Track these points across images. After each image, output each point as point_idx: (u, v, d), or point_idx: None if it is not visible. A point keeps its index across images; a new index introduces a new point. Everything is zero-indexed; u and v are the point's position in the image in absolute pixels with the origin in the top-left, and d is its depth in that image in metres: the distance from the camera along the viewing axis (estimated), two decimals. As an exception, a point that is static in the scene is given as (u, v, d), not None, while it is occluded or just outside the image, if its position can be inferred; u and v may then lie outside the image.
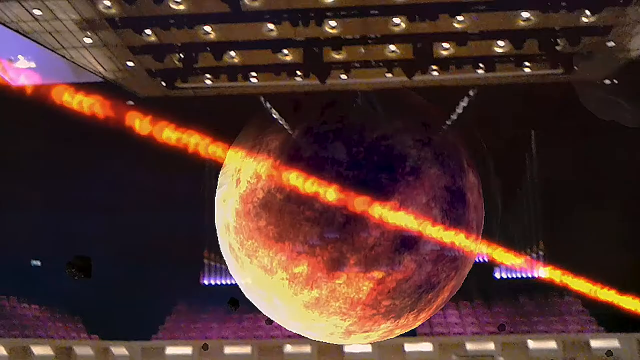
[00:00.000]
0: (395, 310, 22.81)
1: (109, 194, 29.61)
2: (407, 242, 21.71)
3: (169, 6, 18.61)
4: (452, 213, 22.35)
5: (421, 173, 21.99)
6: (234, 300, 23.52)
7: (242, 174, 22.52)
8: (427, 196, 21.89)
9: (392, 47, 21.40)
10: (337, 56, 21.51)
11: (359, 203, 21.31)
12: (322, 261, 21.54)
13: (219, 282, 32.45)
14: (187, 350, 32.49)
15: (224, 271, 29.25)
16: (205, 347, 31.12)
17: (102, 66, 22.52)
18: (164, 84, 23.19)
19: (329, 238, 21.38)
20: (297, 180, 21.50)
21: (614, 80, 23.63)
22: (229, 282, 27.07)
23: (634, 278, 29.17)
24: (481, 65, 22.03)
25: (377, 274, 21.71)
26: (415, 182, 21.86)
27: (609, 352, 29.75)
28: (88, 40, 20.56)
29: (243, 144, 23.18)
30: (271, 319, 25.01)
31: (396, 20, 19.74)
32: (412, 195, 21.72)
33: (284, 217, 21.59)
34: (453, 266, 23.08)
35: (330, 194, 21.21)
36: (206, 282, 32.85)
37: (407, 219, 21.65)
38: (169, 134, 23.06)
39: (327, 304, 22.29)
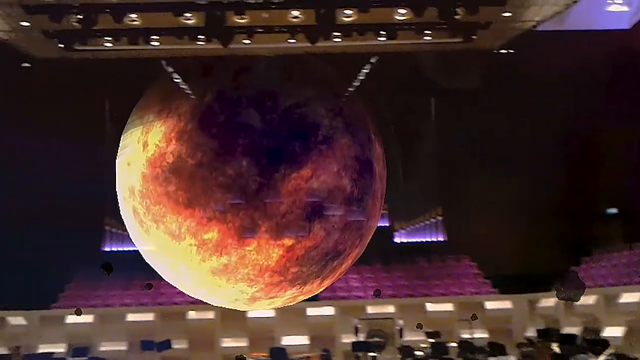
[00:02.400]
0: (301, 277, 23.03)
1: (3, 156, 28.69)
2: (317, 210, 21.93)
3: (67, -35, 18.07)
4: (361, 182, 22.67)
5: (333, 142, 22.19)
6: (107, 266, 22.42)
7: (149, 137, 22.16)
8: (338, 165, 22.12)
9: (295, 12, 21.41)
10: (240, 20, 21.36)
11: (272, 170, 21.35)
12: (233, 228, 21.50)
13: (120, 249, 31.93)
14: (88, 318, 32.00)
15: (125, 238, 28.81)
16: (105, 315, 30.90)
17: (-5, 26, 21.74)
18: (61, 45, 22.58)
19: (241, 204, 21.36)
20: (210, 145, 21.32)
21: (510, 50, 24.30)
22: (130, 249, 26.67)
23: (527, 241, 30.16)
24: (383, 32, 22.21)
25: (287, 241, 21.85)
26: (327, 151, 22.05)
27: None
28: (-21, -1, 19.75)
29: (149, 107, 22.76)
30: (151, 283, 24.87)
31: (299, -15, 19.73)
32: (324, 164, 21.90)
33: (195, 182, 21.40)
34: (358, 234, 23.43)
35: (243, 161, 21.17)
36: (107, 249, 32.29)
37: (318, 187, 21.84)
38: (66, 96, 22.66)
39: (236, 271, 22.31)
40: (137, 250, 24.30)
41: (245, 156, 21.48)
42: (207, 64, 22.87)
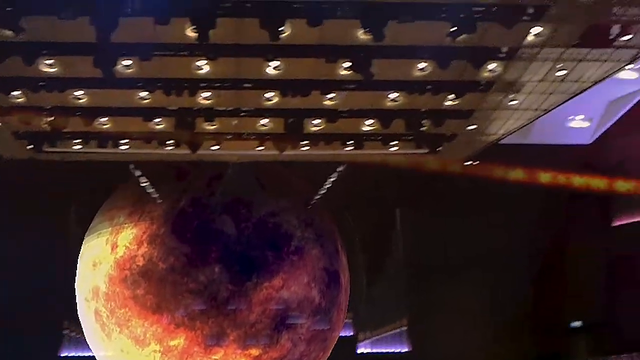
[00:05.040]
0: (265, 389, 22.66)
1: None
2: (286, 320, 21.78)
3: (40, 68, 18.19)
4: (328, 294, 22.74)
5: (304, 253, 22.31)
6: None
7: (119, 239, 21.99)
8: (308, 276, 22.23)
9: (264, 120, 21.64)
10: (210, 127, 21.54)
11: (244, 279, 21.24)
12: (201, 335, 21.28)
13: (78, 355, 31.09)
14: None
15: (83, 343, 28.14)
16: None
17: (-35, 126, 21.67)
18: (30, 147, 22.54)
19: (211, 312, 21.12)
20: (183, 250, 21.20)
21: (475, 162, 24.69)
22: (89, 355, 26.04)
23: (492, 354, 29.96)
24: (350, 142, 22.51)
25: (255, 352, 21.65)
26: (298, 261, 22.17)
27: None
28: (-49, 98, 19.74)
29: (119, 208, 22.71)
30: None
31: (269, 94, 20.02)
32: (295, 274, 21.99)
33: (166, 287, 21.26)
34: (323, 346, 23.33)
35: (216, 267, 21.05)
36: (64, 355, 31.43)
37: (289, 298, 21.75)
38: (30, 196, 22.43)
39: (199, 380, 21.91)
40: (94, 356, 23.78)
41: (218, 263, 21.40)
42: (181, 169, 22.97)
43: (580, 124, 26.88)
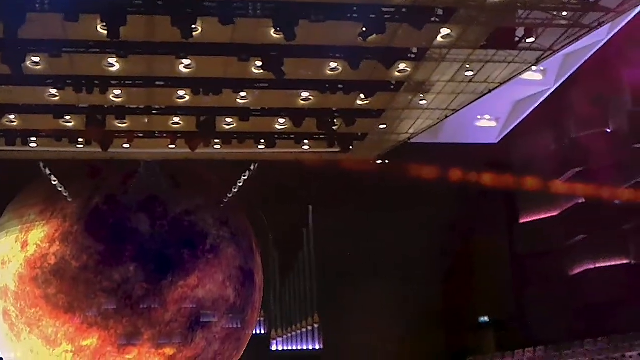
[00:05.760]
0: (175, 389, 22.57)
1: None
2: (201, 319, 21.73)
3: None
4: (243, 293, 22.78)
5: (220, 252, 22.29)
6: None
7: (30, 237, 21.56)
8: (223, 275, 22.23)
9: (176, 118, 21.57)
10: (121, 125, 21.35)
11: (159, 277, 21.10)
12: (114, 334, 21.06)
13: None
14: None
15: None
16: None
17: None
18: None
19: (125, 311, 20.93)
20: (97, 249, 20.92)
21: (386, 160, 25.08)
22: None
23: (403, 350, 30.42)
24: (262, 140, 22.65)
25: (169, 351, 21.56)
26: (214, 260, 22.15)
27: None
28: None
29: (30, 206, 22.24)
30: None
31: (181, 92, 19.99)
32: (210, 273, 21.97)
33: (79, 286, 20.96)
34: (237, 345, 23.38)
35: (131, 266, 20.84)
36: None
37: (204, 296, 21.72)
38: None
39: (112, 380, 21.70)
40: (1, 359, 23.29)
41: (133, 262, 21.23)
42: (93, 167, 22.66)
43: (487, 124, 27.56)
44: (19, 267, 21.39)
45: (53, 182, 22.02)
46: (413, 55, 19.00)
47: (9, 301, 21.61)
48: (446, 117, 22.64)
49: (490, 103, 23.48)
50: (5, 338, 22.18)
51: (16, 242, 21.64)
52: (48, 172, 22.33)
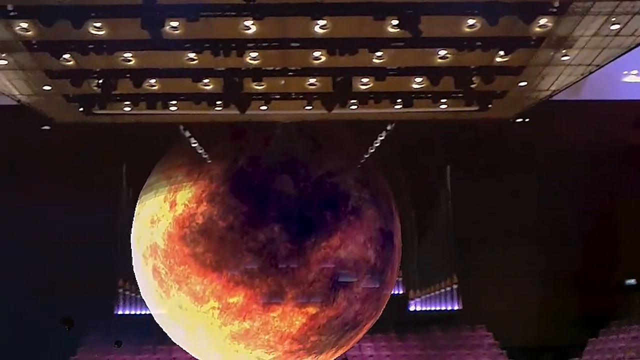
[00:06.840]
0: (319, 346, 22.91)
1: (18, 220, 28.58)
2: (343, 279, 21.91)
3: (89, 31, 18.30)
4: (383, 254, 22.76)
5: (361, 213, 22.33)
6: (68, 320, 21.48)
7: (178, 197, 22.12)
8: (364, 236, 22.26)
9: (311, 79, 21.58)
10: (257, 87, 21.56)
11: (303, 238, 21.36)
12: (259, 293, 21.46)
13: (133, 312, 31.70)
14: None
15: (139, 301, 28.58)
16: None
17: (17, 89, 21.97)
18: (81, 109, 22.81)
19: (270, 270, 21.31)
20: (242, 209, 21.31)
21: (525, 119, 24.35)
22: (143, 313, 26.47)
23: (543, 312, 29.83)
24: (399, 100, 22.35)
25: (312, 310, 21.81)
26: (355, 221, 22.18)
27: None
28: (3, 62, 19.95)
29: (177, 167, 22.78)
30: (120, 341, 24.26)
31: (316, 53, 19.92)
32: (352, 234, 22.03)
33: (225, 245, 21.40)
34: (376, 305, 23.41)
35: (275, 227, 21.17)
36: (120, 312, 32.08)
37: (346, 257, 21.86)
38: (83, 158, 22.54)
39: (256, 337, 22.18)
40: (150, 314, 24.09)
41: (277, 222, 21.52)
42: (236, 128, 23.00)
43: (635, 79, 26.38)
44: (167, 225, 22.02)
45: (193, 145, 22.48)
46: (555, 9, 18.10)
47: (159, 258, 22.29)
48: (590, 73, 21.64)
49: (638, 57, 22.37)
50: (154, 294, 22.95)
51: (165, 202, 22.28)
52: (188, 134, 22.80)
